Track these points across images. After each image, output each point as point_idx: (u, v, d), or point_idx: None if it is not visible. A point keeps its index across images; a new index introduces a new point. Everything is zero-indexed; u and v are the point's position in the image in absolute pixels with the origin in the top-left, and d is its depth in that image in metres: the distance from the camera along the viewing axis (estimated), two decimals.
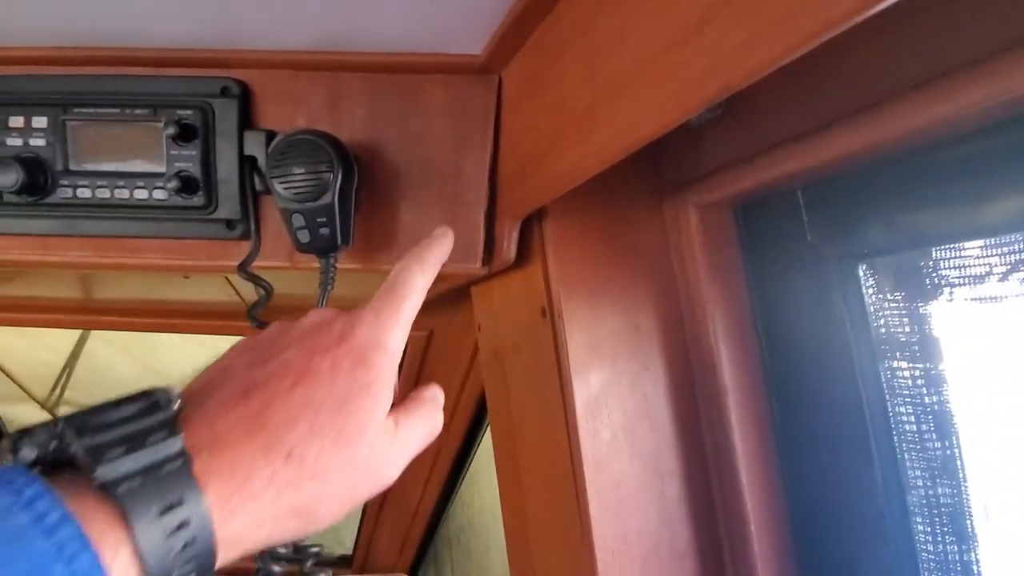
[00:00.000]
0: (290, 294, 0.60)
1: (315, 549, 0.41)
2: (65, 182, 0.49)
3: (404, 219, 0.49)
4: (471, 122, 0.48)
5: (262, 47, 0.48)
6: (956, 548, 0.39)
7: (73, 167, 0.50)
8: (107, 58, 0.49)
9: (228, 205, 0.49)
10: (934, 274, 0.40)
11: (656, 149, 0.53)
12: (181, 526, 0.22)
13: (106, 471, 0.21)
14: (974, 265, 0.37)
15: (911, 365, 0.42)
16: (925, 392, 0.41)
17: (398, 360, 0.30)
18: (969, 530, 0.39)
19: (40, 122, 0.49)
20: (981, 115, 0.29)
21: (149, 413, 0.23)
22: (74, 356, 1.39)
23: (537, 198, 0.43)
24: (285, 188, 0.44)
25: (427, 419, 0.32)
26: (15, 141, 0.50)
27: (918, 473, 0.42)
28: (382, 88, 0.48)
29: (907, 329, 0.42)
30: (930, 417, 0.41)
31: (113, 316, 0.86)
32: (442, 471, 1.09)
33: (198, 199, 0.48)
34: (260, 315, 0.47)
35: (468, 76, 0.47)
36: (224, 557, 0.24)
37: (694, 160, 0.48)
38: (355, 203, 0.46)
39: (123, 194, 0.49)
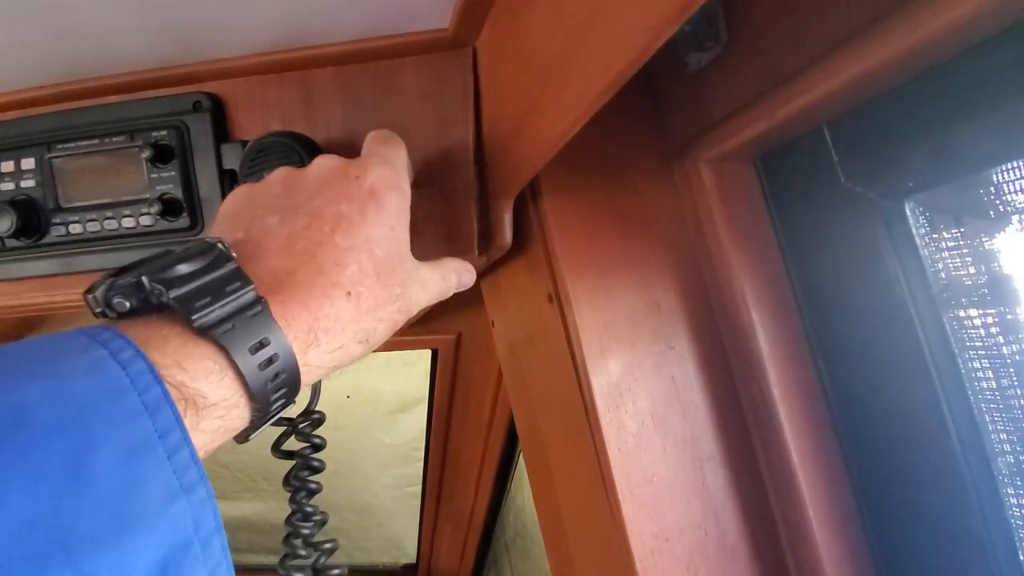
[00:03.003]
0: None
1: (329, 545, 0.39)
2: (57, 220, 0.49)
3: None
4: (450, 102, 0.44)
5: (228, 54, 0.46)
6: None
7: (63, 204, 0.49)
8: (85, 90, 0.49)
9: None
10: (998, 201, 0.34)
11: (657, 106, 0.48)
12: (271, 360, 0.26)
13: (202, 318, 0.24)
14: None
15: (981, 312, 0.36)
16: (1003, 341, 0.35)
17: (410, 202, 0.33)
18: None
19: (28, 163, 0.49)
20: None
21: (218, 267, 0.26)
22: None
23: (524, 171, 0.39)
24: None
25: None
26: (7, 185, 0.50)
27: (1003, 437, 0.36)
28: (354, 81, 0.46)
29: (972, 270, 0.36)
30: (1011, 370, 0.35)
31: None
32: (489, 476, 1.08)
33: (183, 221, 0.47)
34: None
35: (441, 54, 0.44)
36: (307, 380, 0.28)
37: (700, 111, 0.43)
38: None
39: (112, 225, 0.48)
